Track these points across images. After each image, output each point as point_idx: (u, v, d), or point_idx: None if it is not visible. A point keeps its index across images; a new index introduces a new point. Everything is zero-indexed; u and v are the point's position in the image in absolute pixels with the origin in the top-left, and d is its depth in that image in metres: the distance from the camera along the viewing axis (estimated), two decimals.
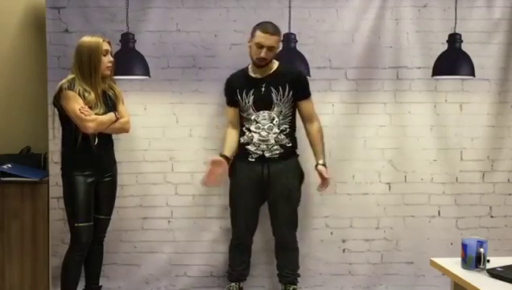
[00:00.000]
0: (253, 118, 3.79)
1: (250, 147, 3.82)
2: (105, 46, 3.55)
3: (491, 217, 4.33)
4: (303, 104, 3.82)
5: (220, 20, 4.16)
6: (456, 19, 3.87)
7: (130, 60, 3.73)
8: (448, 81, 4.22)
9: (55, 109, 3.59)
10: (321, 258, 4.27)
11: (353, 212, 4.26)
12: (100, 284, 3.91)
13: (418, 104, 4.26)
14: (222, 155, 3.81)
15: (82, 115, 3.44)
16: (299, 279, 3.97)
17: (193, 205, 4.24)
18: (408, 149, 4.26)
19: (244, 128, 3.85)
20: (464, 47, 3.85)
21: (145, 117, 4.20)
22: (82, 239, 3.60)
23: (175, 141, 4.21)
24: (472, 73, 3.87)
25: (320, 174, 3.77)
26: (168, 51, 4.17)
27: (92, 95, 3.50)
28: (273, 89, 3.75)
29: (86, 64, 3.49)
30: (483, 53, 4.20)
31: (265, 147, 3.79)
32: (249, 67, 3.86)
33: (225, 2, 4.16)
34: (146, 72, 3.79)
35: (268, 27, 3.69)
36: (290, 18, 3.92)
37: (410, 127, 4.26)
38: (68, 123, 3.53)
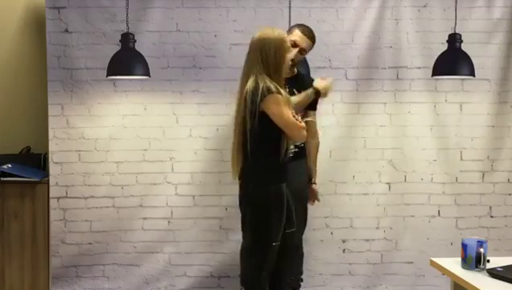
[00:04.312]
0: None
1: None
2: (289, 42, 3.23)
3: (491, 217, 4.33)
4: (311, 116, 3.72)
5: (220, 20, 4.17)
6: (456, 19, 3.87)
7: (130, 60, 3.73)
8: (448, 81, 4.22)
9: (254, 114, 3.04)
10: (321, 258, 4.27)
11: (353, 212, 4.26)
12: None
13: (418, 104, 4.26)
14: None
15: (298, 122, 3.09)
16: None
17: (193, 205, 4.24)
18: (408, 149, 4.27)
19: None
20: (464, 47, 3.85)
21: (145, 117, 4.20)
22: (273, 258, 3.21)
23: (175, 141, 4.21)
24: (472, 73, 3.87)
25: (313, 192, 3.81)
26: (168, 51, 4.17)
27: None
28: (295, 91, 3.66)
29: (272, 62, 3.11)
30: (483, 53, 4.20)
31: None
32: None
33: (224, 2, 4.16)
34: (146, 72, 3.80)
35: (307, 30, 3.67)
36: (290, 18, 3.92)
37: (410, 127, 4.26)
38: (272, 130, 3.07)
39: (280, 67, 3.12)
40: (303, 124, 3.11)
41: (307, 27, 3.70)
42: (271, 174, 3.13)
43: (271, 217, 3.13)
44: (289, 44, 3.27)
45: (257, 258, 3.17)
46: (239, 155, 3.17)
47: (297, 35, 3.63)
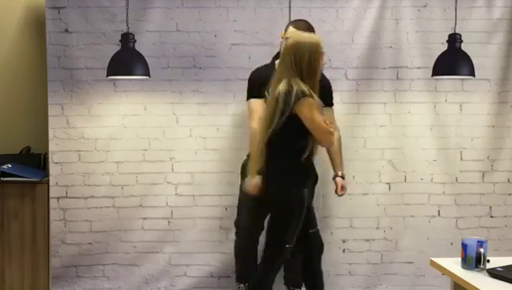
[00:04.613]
0: None
1: None
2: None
3: (491, 217, 4.33)
4: (326, 111, 3.62)
5: (220, 20, 4.16)
6: (456, 19, 3.87)
7: (130, 60, 3.73)
8: (448, 81, 4.22)
9: (285, 116, 3.10)
10: (321, 258, 4.27)
11: (353, 212, 4.26)
12: None
13: (418, 104, 4.26)
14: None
15: (328, 128, 3.14)
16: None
17: (193, 205, 4.24)
18: (408, 149, 4.26)
19: None
20: (464, 47, 3.85)
21: (145, 117, 4.20)
22: (283, 260, 3.33)
23: (175, 141, 4.21)
24: (472, 73, 3.87)
25: (339, 185, 3.73)
26: (168, 51, 4.17)
27: None
28: None
29: (306, 66, 3.15)
30: (483, 53, 4.20)
31: None
32: (276, 62, 3.71)
33: (224, 2, 4.16)
34: (146, 72, 3.80)
35: (300, 24, 3.63)
36: (290, 18, 3.92)
37: (410, 127, 4.26)
38: (301, 133, 3.14)
39: (314, 71, 3.17)
40: (332, 129, 3.16)
41: (302, 21, 3.66)
42: (296, 175, 3.20)
43: (291, 219, 3.20)
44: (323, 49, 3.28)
45: (268, 256, 3.18)
46: (262, 155, 3.22)
47: (291, 31, 3.60)
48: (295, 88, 3.08)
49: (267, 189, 3.26)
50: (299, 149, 3.15)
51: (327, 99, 3.67)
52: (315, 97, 3.15)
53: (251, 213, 3.81)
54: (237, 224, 3.94)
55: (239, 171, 3.90)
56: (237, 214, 3.93)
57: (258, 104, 3.61)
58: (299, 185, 3.23)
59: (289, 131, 3.13)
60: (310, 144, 3.16)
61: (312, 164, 3.35)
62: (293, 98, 3.07)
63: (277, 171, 3.20)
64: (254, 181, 3.32)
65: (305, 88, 3.09)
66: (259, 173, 3.27)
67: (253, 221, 3.83)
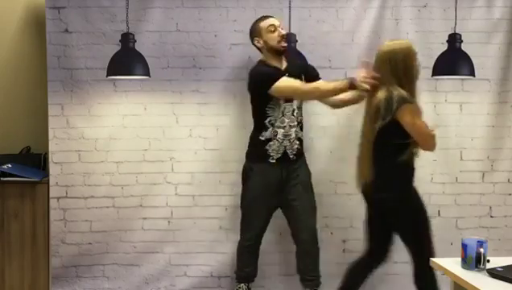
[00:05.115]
0: (281, 109, 3.73)
1: (272, 145, 3.75)
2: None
3: (491, 217, 4.33)
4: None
5: (220, 20, 4.16)
6: (456, 19, 3.87)
7: (130, 60, 3.73)
8: (448, 81, 4.22)
9: (383, 122, 3.18)
10: (321, 258, 4.25)
11: (353, 212, 4.25)
12: None
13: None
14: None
15: (430, 131, 3.21)
16: (298, 278, 3.97)
17: (193, 205, 4.24)
18: None
19: (267, 123, 3.76)
20: (464, 47, 3.85)
21: (145, 117, 4.20)
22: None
23: (175, 141, 4.21)
24: (472, 73, 3.87)
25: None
26: (168, 51, 4.17)
27: None
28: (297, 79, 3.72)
29: (402, 71, 3.25)
30: (483, 53, 4.20)
31: (287, 143, 3.77)
32: (267, 61, 3.78)
33: (224, 2, 4.16)
34: (146, 72, 3.80)
35: (266, 15, 3.80)
36: (290, 18, 3.92)
37: None
38: (404, 138, 3.22)
39: (411, 75, 3.27)
40: (433, 133, 3.22)
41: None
42: (406, 178, 3.32)
43: (418, 215, 3.36)
44: (414, 50, 3.36)
45: (426, 261, 3.07)
46: (368, 165, 3.32)
47: (267, 21, 3.74)
48: (395, 93, 3.17)
49: (378, 200, 3.36)
50: (401, 153, 3.22)
51: (314, 72, 3.88)
52: (415, 101, 3.23)
53: (263, 214, 3.86)
54: (245, 225, 3.93)
55: (241, 174, 3.91)
56: (246, 216, 3.90)
57: (285, 78, 3.68)
58: (409, 186, 3.33)
59: (394, 138, 3.20)
60: (413, 149, 3.25)
61: (414, 168, 3.38)
62: (395, 105, 3.14)
63: (389, 179, 3.29)
64: None
65: (405, 93, 3.17)
66: (365, 179, 3.37)
67: (265, 221, 3.89)
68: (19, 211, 3.96)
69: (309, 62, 3.95)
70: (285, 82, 3.66)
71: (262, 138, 3.77)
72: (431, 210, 4.24)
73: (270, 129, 3.75)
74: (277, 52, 3.74)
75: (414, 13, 4.22)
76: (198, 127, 4.21)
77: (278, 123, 3.75)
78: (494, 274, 2.46)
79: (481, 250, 2.53)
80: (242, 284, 3.99)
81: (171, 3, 4.14)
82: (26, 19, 4.37)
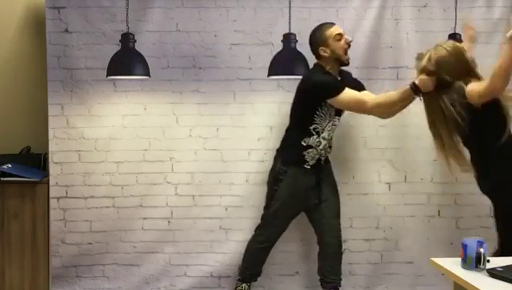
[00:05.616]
0: (330, 120, 3.78)
1: (310, 152, 3.78)
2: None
3: (491, 217, 4.31)
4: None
5: (220, 20, 4.16)
6: (456, 19, 3.87)
7: (130, 60, 3.73)
8: None
9: (463, 121, 3.25)
10: None
11: (353, 212, 4.26)
12: None
13: (418, 104, 4.23)
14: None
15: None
16: (299, 278, 3.97)
17: (193, 205, 4.24)
18: (408, 149, 4.26)
19: (312, 129, 3.76)
20: None
21: (145, 117, 4.20)
22: None
23: (175, 141, 4.21)
24: None
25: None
26: (168, 51, 4.17)
27: None
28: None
29: (458, 71, 3.31)
30: (483, 53, 4.19)
31: (323, 151, 3.82)
32: (327, 69, 3.77)
33: (224, 2, 4.16)
34: (146, 72, 3.80)
35: (326, 22, 3.81)
36: (290, 18, 3.91)
37: (410, 127, 4.25)
38: (493, 123, 3.28)
39: (468, 68, 3.31)
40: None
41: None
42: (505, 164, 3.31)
43: None
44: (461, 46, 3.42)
45: None
46: (461, 153, 3.42)
47: (333, 30, 3.74)
48: (456, 87, 3.24)
49: (487, 189, 3.46)
50: (499, 136, 3.22)
51: (360, 83, 3.93)
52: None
53: (289, 217, 3.91)
54: (267, 226, 3.93)
55: (269, 175, 3.93)
56: (272, 217, 3.90)
57: (351, 90, 3.69)
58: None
59: (482, 125, 3.25)
60: (507, 127, 3.24)
61: None
62: (463, 96, 3.21)
63: (492, 163, 3.36)
64: None
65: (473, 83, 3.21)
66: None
67: (288, 224, 3.93)
68: (19, 211, 3.96)
69: (309, 62, 3.93)
70: (350, 94, 3.67)
71: (304, 144, 3.77)
72: (431, 210, 4.29)
73: (315, 136, 3.77)
74: (341, 64, 3.77)
75: (415, 13, 4.22)
76: (198, 127, 4.21)
77: (324, 134, 3.78)
78: (494, 274, 2.46)
79: (481, 250, 2.53)
80: (244, 284, 3.99)
81: (171, 3, 4.14)
82: (26, 19, 4.37)
